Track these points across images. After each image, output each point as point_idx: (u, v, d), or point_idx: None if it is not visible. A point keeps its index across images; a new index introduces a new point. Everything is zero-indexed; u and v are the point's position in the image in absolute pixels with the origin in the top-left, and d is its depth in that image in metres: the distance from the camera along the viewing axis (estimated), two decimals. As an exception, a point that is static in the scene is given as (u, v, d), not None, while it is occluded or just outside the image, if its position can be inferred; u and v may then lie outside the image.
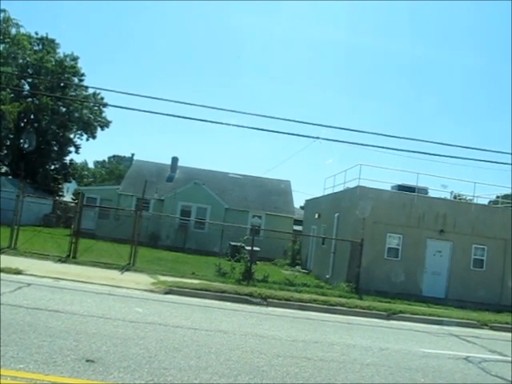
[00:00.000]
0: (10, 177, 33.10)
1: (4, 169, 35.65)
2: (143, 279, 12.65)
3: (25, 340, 5.66)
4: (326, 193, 23.36)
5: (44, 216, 29.69)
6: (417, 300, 15.37)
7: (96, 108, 39.70)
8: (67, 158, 40.87)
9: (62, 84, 36.07)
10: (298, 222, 30.30)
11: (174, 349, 6.28)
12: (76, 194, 40.13)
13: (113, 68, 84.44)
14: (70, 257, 14.53)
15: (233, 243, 19.47)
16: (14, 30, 32.39)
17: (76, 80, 38.10)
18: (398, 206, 17.65)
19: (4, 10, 30.65)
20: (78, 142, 40.29)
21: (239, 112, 17.58)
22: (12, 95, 32.76)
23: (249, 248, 15.48)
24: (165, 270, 14.75)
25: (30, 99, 35.24)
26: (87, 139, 40.31)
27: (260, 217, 28.68)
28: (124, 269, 14.07)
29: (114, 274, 13.10)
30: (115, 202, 27.89)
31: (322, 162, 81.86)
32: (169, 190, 28.64)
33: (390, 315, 12.29)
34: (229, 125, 14.53)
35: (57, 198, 37.78)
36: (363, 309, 12.41)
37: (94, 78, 67.09)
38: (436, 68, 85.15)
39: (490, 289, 17.37)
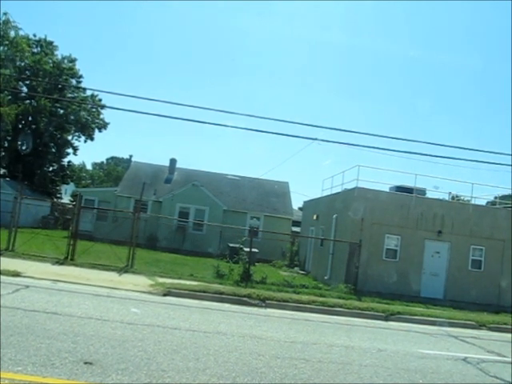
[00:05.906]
0: (8, 179, 33.03)
1: (2, 171, 35.55)
2: (141, 281, 12.63)
3: (23, 342, 5.64)
4: (324, 194, 23.37)
5: (42, 218, 29.61)
6: (415, 301, 15.39)
7: (94, 110, 39.73)
8: (65, 160, 40.94)
9: (59, 86, 36.04)
10: (296, 224, 30.29)
11: (173, 351, 6.27)
12: (74, 195, 39.99)
13: (110, 70, 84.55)
14: (68, 259, 14.51)
15: (231, 245, 19.47)
16: (12, 33, 32.35)
17: (74, 82, 38.11)
18: (396, 207, 17.67)
19: (5, 13, 30.65)
20: (76, 143, 40.45)
21: (237, 113, 17.62)
22: (10, 97, 32.75)
23: (247, 249, 15.47)
24: (163, 272, 14.73)
25: (27, 101, 35.20)
26: (85, 141, 40.43)
27: (258, 218, 28.69)
28: (122, 271, 14.05)
29: (112, 275, 13.08)
30: (113, 204, 27.83)
31: (320, 163, 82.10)
32: (167, 192, 28.62)
33: (389, 316, 12.29)
34: (227, 126, 14.60)
35: (55, 199, 37.70)
36: (361, 310, 12.40)
37: (91, 79, 67.23)
38: (433, 69, 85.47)
39: (488, 289, 17.40)
